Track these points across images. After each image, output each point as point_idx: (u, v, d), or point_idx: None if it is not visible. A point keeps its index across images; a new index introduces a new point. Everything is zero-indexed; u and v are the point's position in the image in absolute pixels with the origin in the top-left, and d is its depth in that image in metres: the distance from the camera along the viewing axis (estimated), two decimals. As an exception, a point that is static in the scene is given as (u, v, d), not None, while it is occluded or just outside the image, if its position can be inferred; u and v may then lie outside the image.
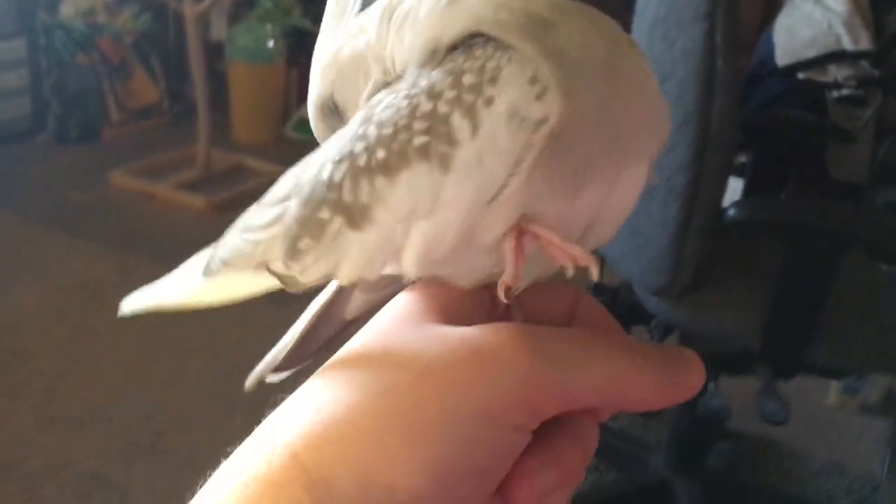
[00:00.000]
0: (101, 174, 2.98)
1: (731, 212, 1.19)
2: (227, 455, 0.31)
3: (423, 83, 0.29)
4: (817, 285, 1.21)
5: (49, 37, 3.23)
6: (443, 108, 0.28)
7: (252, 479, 0.28)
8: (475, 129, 0.28)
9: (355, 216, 0.30)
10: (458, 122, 0.28)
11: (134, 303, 0.40)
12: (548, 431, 0.29)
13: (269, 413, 0.30)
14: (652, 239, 1.24)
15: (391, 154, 0.29)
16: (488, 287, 0.32)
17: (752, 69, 2.39)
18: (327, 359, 0.37)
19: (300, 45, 3.56)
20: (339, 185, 0.30)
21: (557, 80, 0.28)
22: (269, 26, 3.38)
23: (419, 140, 0.28)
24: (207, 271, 0.36)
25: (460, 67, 0.29)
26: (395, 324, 0.31)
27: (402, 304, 0.32)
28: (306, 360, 0.41)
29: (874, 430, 1.97)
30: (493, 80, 0.28)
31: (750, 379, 1.43)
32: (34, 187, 2.93)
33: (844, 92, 2.23)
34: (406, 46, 0.31)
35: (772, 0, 2.77)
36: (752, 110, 2.28)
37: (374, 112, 0.30)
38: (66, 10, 3.24)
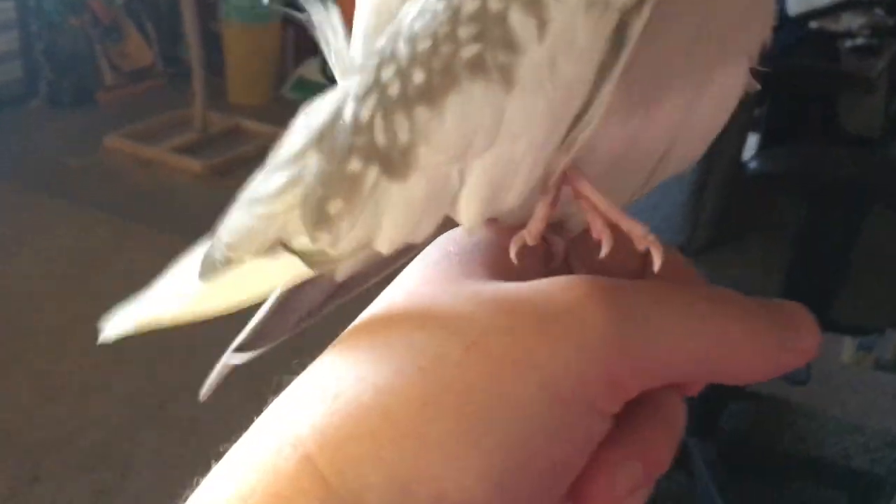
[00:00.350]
0: (96, 139, 2.92)
1: (753, 164, 1.15)
2: (220, 453, 0.25)
3: None
4: (840, 241, 1.17)
5: (38, -2, 3.15)
6: (494, 3, 0.22)
7: (251, 490, 0.22)
8: (543, 25, 0.21)
9: (395, 162, 0.23)
10: (520, 20, 0.21)
11: (118, 324, 0.33)
12: (628, 413, 0.23)
13: (272, 400, 0.24)
14: (668, 195, 1.20)
15: (433, 74, 0.22)
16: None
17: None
18: (303, 329, 0.30)
19: (296, 3, 3.48)
20: (370, 125, 0.24)
21: None
22: (263, -17, 3.30)
23: (468, 50, 0.22)
24: (208, 269, 0.29)
25: None
26: (431, 280, 0.24)
27: (437, 255, 0.25)
28: (284, 334, 0.33)
29: (890, 387, 1.94)
30: None
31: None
32: (28, 153, 2.87)
33: (858, 41, 2.17)
34: None
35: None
36: (764, 61, 2.22)
37: (401, 24, 0.23)
38: (55, -29, 3.16)
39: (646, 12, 0.21)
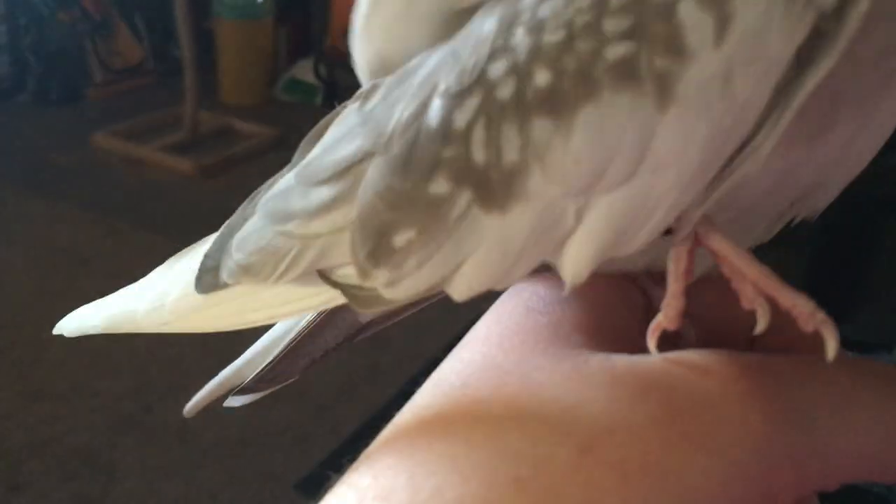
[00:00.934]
0: (85, 136, 2.87)
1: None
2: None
3: None
4: (857, 254, 1.14)
5: (27, -8, 3.10)
6: None
7: None
8: (725, 23, 0.16)
9: (495, 188, 0.18)
10: (693, 14, 0.16)
11: (83, 321, 0.28)
12: None
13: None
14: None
15: (564, 78, 0.17)
16: (633, 277, 0.21)
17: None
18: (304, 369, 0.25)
19: (290, 1, 3.45)
20: (466, 136, 0.18)
21: None
22: (257, -20, 3.26)
23: (616, 50, 0.16)
24: (209, 283, 0.24)
25: None
26: (514, 350, 0.19)
27: (517, 315, 0.20)
28: (293, 376, 0.29)
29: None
30: None
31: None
32: (14, 150, 2.82)
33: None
34: None
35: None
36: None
37: (514, 4, 0.17)
38: (45, -35, 3.11)
39: (855, 16, 0.16)
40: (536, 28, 0.17)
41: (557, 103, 0.17)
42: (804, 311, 0.19)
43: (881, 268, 1.19)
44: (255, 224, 0.22)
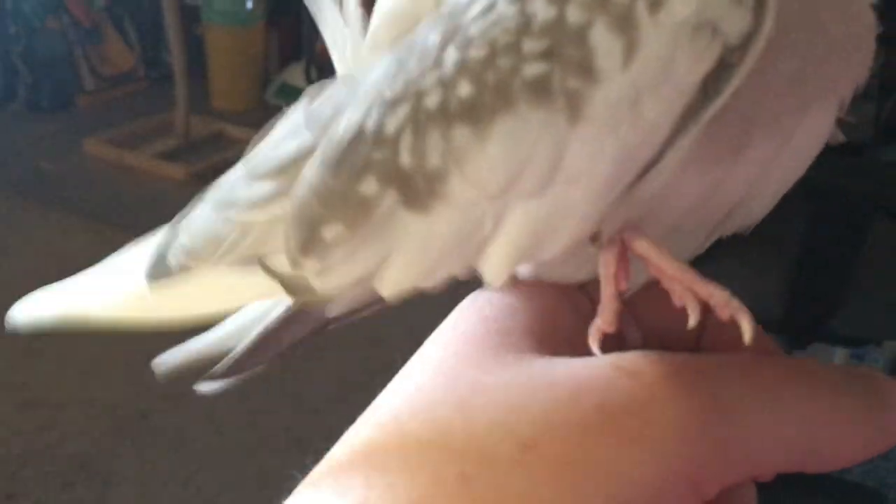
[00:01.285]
0: (76, 143, 2.87)
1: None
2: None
3: None
4: (844, 251, 1.15)
5: (16, 0, 3.10)
6: (575, 15, 0.17)
7: None
8: (632, 50, 0.17)
9: (419, 189, 0.19)
10: (604, 40, 0.17)
11: (34, 312, 0.29)
12: None
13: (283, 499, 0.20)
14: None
15: (485, 90, 0.18)
16: (582, 286, 0.22)
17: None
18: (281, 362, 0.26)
19: (280, 5, 3.45)
20: (395, 140, 0.19)
21: None
22: (247, -14, 3.27)
23: (533, 68, 0.18)
24: (159, 271, 0.25)
25: None
26: (466, 356, 0.20)
27: (470, 322, 0.21)
28: (259, 366, 0.29)
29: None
30: None
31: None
32: (6, 158, 2.82)
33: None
34: None
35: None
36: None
37: (453, 18, 0.19)
38: (34, -28, 3.11)
39: (758, 47, 0.17)
40: (465, 44, 0.18)
41: (477, 113, 0.18)
42: (720, 300, 0.20)
43: (869, 263, 1.21)
44: (202, 210, 0.24)
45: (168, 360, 0.31)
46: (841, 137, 0.23)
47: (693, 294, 0.20)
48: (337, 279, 0.21)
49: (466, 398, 0.19)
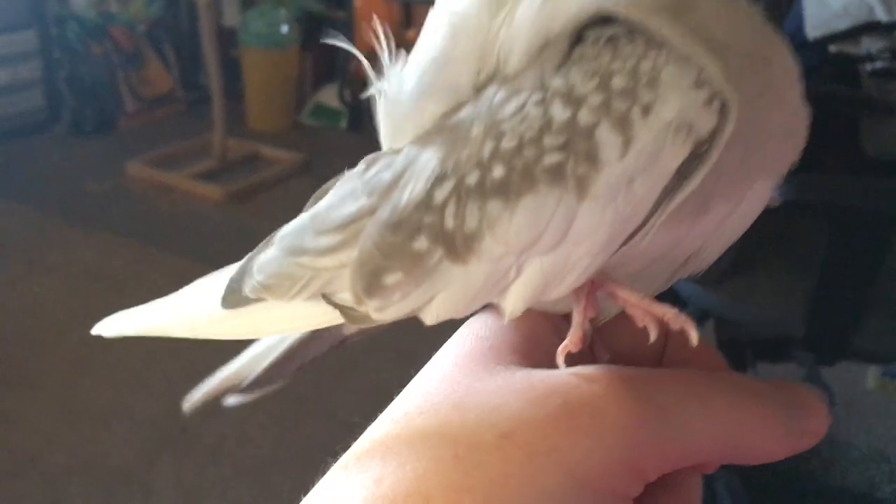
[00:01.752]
0: (118, 165, 2.95)
1: (777, 191, 1.14)
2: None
3: (559, 83, 0.24)
4: (864, 267, 1.16)
5: (61, 27, 3.20)
6: (586, 117, 0.23)
7: None
8: (628, 144, 0.23)
9: (459, 247, 0.25)
10: (606, 136, 0.23)
11: (118, 325, 0.35)
12: (649, 494, 0.24)
13: (317, 481, 0.25)
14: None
15: (513, 173, 0.24)
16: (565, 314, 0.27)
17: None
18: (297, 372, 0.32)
19: (314, 29, 3.52)
20: (442, 208, 0.25)
21: (725, 80, 0.23)
22: (282, 11, 3.33)
23: (552, 157, 0.23)
24: (233, 299, 0.31)
25: (607, 67, 0.23)
26: (463, 367, 0.25)
27: (469, 340, 0.26)
28: (286, 379, 0.35)
29: (914, 414, 1.92)
30: (652, 84, 0.23)
31: (790, 366, 1.39)
32: (51, 179, 2.91)
33: (878, 65, 2.17)
34: (511, 33, 0.25)
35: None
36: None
37: (491, 115, 0.25)
38: (78, 0, 3.21)
39: (723, 140, 0.22)
40: (499, 134, 0.24)
41: (508, 191, 0.24)
42: (672, 317, 0.25)
43: (891, 281, 1.22)
44: (274, 254, 0.30)
45: (195, 396, 0.36)
46: (777, 201, 0.29)
47: (651, 315, 0.25)
48: (392, 313, 0.27)
49: (462, 400, 0.24)
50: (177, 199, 2.82)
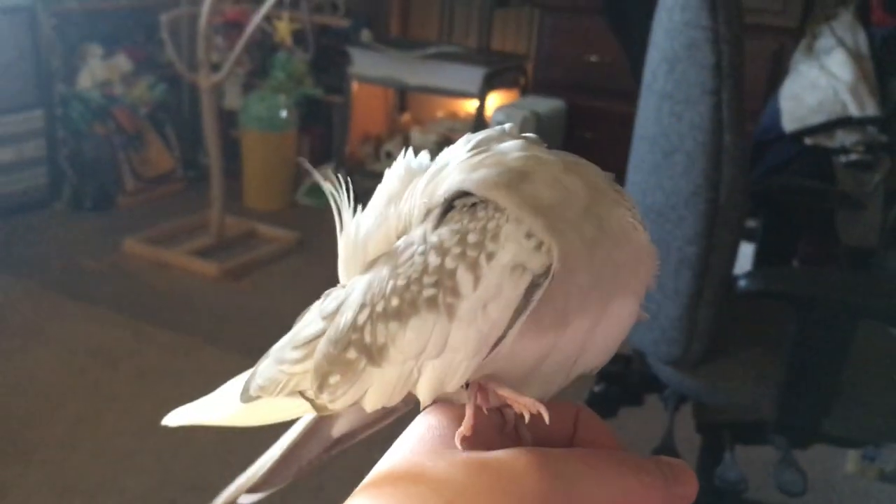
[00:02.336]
0: (116, 241, 3.01)
1: (744, 282, 1.20)
2: None
3: (434, 239, 0.33)
4: (833, 355, 1.21)
5: (66, 107, 3.29)
6: (450, 262, 0.32)
7: None
8: (478, 281, 0.31)
9: (374, 355, 0.34)
10: (463, 276, 0.31)
11: (179, 417, 0.44)
12: None
13: None
14: (664, 309, 1.25)
15: (403, 303, 0.33)
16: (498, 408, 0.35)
17: (759, 135, 2.42)
18: (303, 476, 0.42)
19: (312, 113, 3.63)
20: (362, 328, 0.34)
21: (549, 229, 0.31)
22: (282, 97, 3.44)
23: (428, 292, 0.32)
24: (245, 395, 0.41)
25: (466, 226, 0.32)
26: (420, 450, 0.33)
27: (423, 428, 0.34)
28: (288, 479, 0.44)
29: (895, 498, 1.94)
30: (495, 238, 0.31)
31: (767, 448, 1.42)
32: (50, 254, 2.96)
33: (852, 157, 2.26)
34: (412, 202, 0.35)
35: (777, 67, 2.82)
36: (760, 176, 2.30)
37: (394, 260, 0.34)
38: (84, 82, 3.32)
39: (550, 276, 0.31)
40: (396, 275, 0.33)
41: (401, 316, 0.33)
42: (530, 404, 0.32)
43: (859, 368, 1.26)
44: (267, 363, 0.40)
45: (226, 496, 0.45)
46: (645, 317, 0.36)
47: (524, 405, 0.33)
48: (341, 404, 0.36)
49: (417, 472, 0.32)
50: (173, 276, 2.87)
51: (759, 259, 1.72)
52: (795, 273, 1.41)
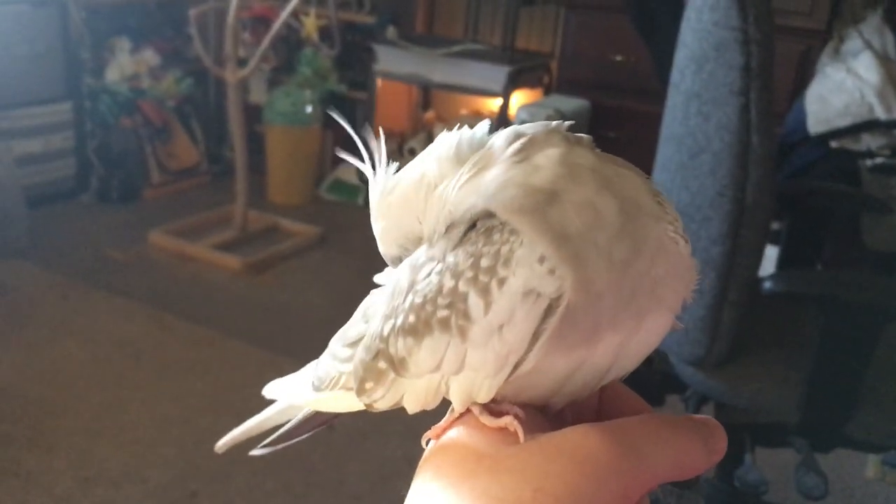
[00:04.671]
0: (141, 234, 3.05)
1: (768, 284, 1.20)
2: None
3: (451, 259, 0.33)
4: (856, 358, 1.21)
5: (94, 100, 3.33)
6: (462, 286, 0.32)
7: None
8: (488, 306, 0.31)
9: (398, 367, 0.35)
10: (474, 301, 0.32)
11: (274, 391, 0.46)
12: None
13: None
14: (688, 309, 1.24)
15: (419, 321, 0.34)
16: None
17: (784, 137, 2.41)
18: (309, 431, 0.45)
19: (336, 108, 3.64)
20: (387, 339, 0.35)
21: (563, 257, 0.30)
22: (307, 92, 3.46)
23: (442, 313, 0.33)
24: (315, 386, 0.42)
25: (480, 250, 0.32)
26: (481, 442, 0.33)
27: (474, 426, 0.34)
28: (301, 436, 0.46)
29: (915, 504, 1.93)
30: (507, 263, 0.31)
31: (788, 451, 1.42)
32: (77, 246, 2.99)
33: (878, 160, 2.25)
34: (433, 217, 0.35)
35: (803, 69, 2.80)
36: (784, 178, 2.29)
37: (414, 273, 0.35)
38: (112, 75, 3.35)
39: (563, 304, 0.31)
40: (415, 292, 0.34)
41: (416, 333, 0.34)
42: (508, 410, 0.33)
43: (883, 373, 1.26)
44: (326, 356, 0.42)
45: (224, 440, 0.48)
46: (680, 326, 0.35)
47: (509, 411, 0.33)
48: (382, 405, 0.37)
49: (491, 467, 0.32)
50: (196, 269, 2.90)
51: (783, 262, 1.71)
52: (820, 275, 1.40)
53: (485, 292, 0.31)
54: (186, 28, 3.33)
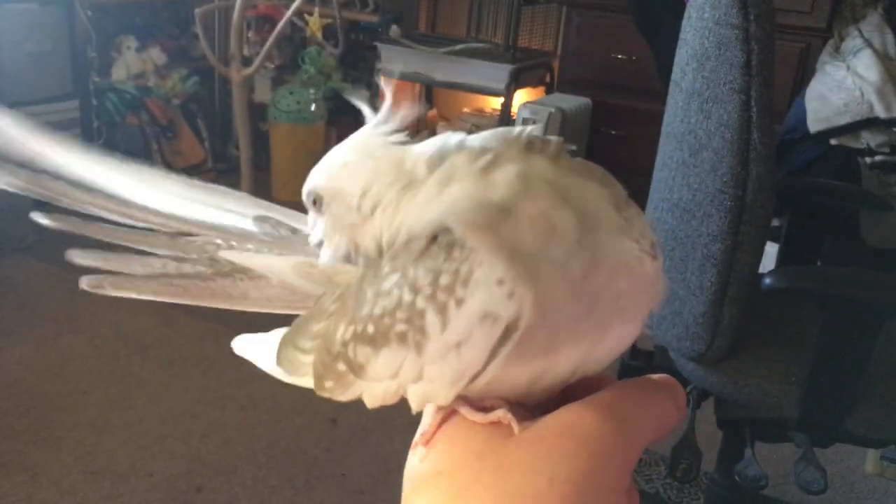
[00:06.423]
0: (146, 230, 3.05)
1: (768, 280, 1.21)
2: None
3: (411, 273, 0.33)
4: (856, 354, 1.22)
5: (101, 98, 3.35)
6: (420, 303, 0.32)
7: None
8: (445, 325, 0.32)
9: (357, 371, 0.35)
10: (431, 318, 0.32)
11: (242, 346, 0.46)
12: None
13: None
14: (688, 305, 1.27)
15: (377, 332, 0.34)
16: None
17: (784, 134, 2.42)
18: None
19: (339, 106, 3.66)
20: (346, 343, 0.36)
21: (518, 276, 0.30)
22: (311, 90, 3.47)
23: (399, 327, 0.33)
24: (277, 360, 0.43)
25: (440, 266, 0.32)
26: (485, 436, 0.34)
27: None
28: None
29: (914, 499, 1.94)
30: (465, 283, 0.31)
31: (788, 445, 1.43)
32: (81, 240, 3.00)
33: (877, 158, 2.26)
34: (392, 226, 0.35)
35: (804, 67, 2.81)
36: (785, 175, 2.30)
37: (378, 284, 0.34)
38: (118, 74, 3.37)
39: (521, 326, 0.31)
40: (375, 302, 0.34)
41: (375, 343, 0.34)
42: (495, 406, 0.34)
43: (883, 368, 1.27)
44: (286, 338, 0.42)
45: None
46: (650, 346, 0.37)
47: (495, 405, 0.34)
48: (343, 399, 0.37)
49: (497, 464, 0.32)
50: (202, 266, 2.90)
51: (783, 259, 1.73)
52: (821, 272, 1.41)
53: (442, 311, 0.31)
54: (192, 27, 3.35)
